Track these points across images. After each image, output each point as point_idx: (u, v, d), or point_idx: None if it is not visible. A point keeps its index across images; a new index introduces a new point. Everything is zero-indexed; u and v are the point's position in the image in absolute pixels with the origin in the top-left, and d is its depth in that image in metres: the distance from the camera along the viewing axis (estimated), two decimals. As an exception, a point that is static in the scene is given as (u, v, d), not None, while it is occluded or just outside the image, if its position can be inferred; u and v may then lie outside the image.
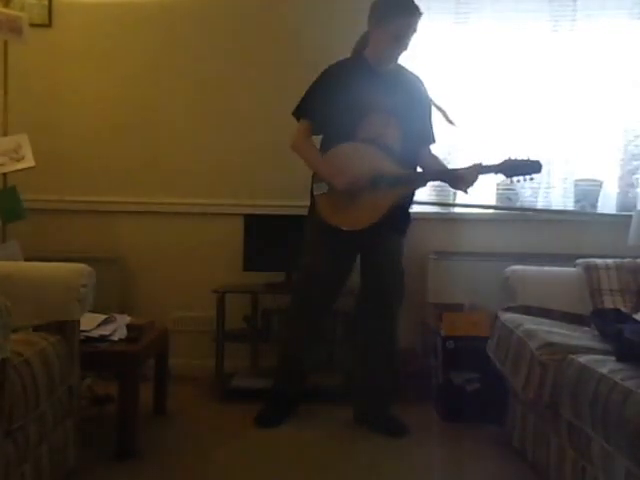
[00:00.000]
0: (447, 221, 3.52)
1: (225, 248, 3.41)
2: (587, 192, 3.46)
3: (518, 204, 3.49)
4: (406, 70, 2.75)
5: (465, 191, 2.62)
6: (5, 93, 3.15)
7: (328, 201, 2.65)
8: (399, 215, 2.70)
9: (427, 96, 2.78)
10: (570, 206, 3.46)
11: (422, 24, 3.48)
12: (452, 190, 3.47)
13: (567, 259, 2.93)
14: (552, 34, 3.43)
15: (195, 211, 3.52)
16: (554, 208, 3.46)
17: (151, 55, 3.54)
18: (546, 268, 2.84)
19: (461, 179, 2.58)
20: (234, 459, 2.45)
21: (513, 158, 2.53)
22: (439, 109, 2.84)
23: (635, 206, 3.39)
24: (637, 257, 2.87)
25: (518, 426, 2.50)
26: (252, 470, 2.37)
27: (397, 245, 2.77)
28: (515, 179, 2.57)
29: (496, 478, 2.36)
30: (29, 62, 3.40)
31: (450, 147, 3.44)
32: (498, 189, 3.50)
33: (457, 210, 3.52)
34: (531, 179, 2.56)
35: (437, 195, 3.52)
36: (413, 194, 2.81)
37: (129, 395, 2.42)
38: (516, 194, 3.49)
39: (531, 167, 2.52)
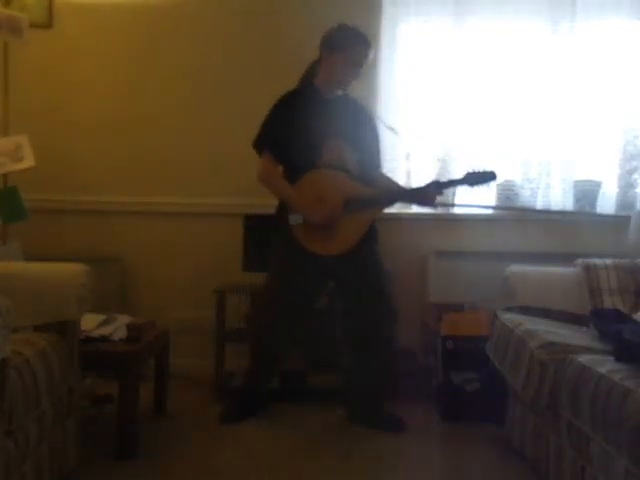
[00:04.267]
0: (447, 221, 3.52)
1: (225, 248, 3.40)
2: (586, 192, 3.46)
3: (518, 204, 3.49)
4: (352, 97, 2.86)
5: (433, 206, 2.85)
6: (5, 93, 3.16)
7: (304, 230, 2.70)
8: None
9: (374, 121, 2.91)
10: (569, 206, 3.46)
11: (421, 24, 3.52)
12: (452, 190, 3.49)
13: (567, 259, 2.93)
14: (551, 35, 3.42)
15: (195, 211, 3.53)
16: (553, 208, 3.46)
17: (152, 55, 3.54)
18: (546, 268, 2.85)
19: (428, 197, 2.75)
20: (234, 459, 2.46)
21: (471, 171, 2.69)
22: (389, 128, 3.09)
23: (634, 206, 3.39)
24: (636, 257, 2.87)
25: (518, 426, 2.51)
26: (252, 470, 2.37)
27: (373, 250, 2.81)
28: (476, 187, 2.73)
29: (496, 478, 2.36)
30: (29, 62, 3.40)
31: (448, 149, 3.44)
32: (498, 189, 3.50)
33: (457, 210, 3.52)
34: (489, 186, 2.75)
35: (437, 195, 3.51)
36: None
37: (129, 395, 2.42)
38: (516, 194, 3.49)
39: (489, 176, 2.68)
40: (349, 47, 2.71)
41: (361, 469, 2.40)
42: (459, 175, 2.77)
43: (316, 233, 2.69)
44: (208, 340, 3.24)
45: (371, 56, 2.75)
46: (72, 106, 3.53)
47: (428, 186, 2.75)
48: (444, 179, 2.95)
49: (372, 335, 2.79)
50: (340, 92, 2.81)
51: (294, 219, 2.70)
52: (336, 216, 2.67)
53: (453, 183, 2.79)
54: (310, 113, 2.72)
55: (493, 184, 2.74)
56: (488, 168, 2.69)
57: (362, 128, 2.82)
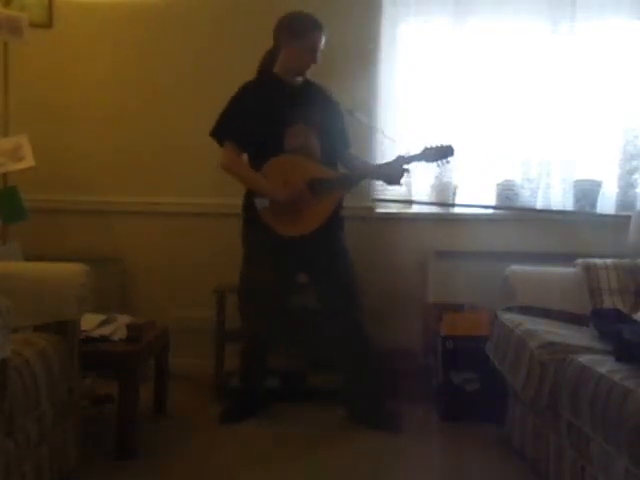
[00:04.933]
0: (447, 221, 3.52)
1: (225, 248, 3.39)
2: (586, 192, 3.46)
3: (518, 204, 3.49)
4: (314, 83, 2.89)
5: (399, 184, 2.84)
6: (5, 93, 3.16)
7: (272, 213, 2.73)
8: (334, 212, 2.80)
9: (337, 105, 2.93)
10: (569, 206, 3.46)
11: (421, 24, 3.51)
12: (452, 190, 3.49)
13: (567, 259, 2.93)
14: (551, 35, 3.42)
15: (195, 211, 3.53)
16: (554, 208, 3.46)
17: (151, 55, 3.54)
18: (546, 268, 2.85)
19: (392, 173, 2.78)
20: (234, 459, 2.46)
21: (429, 146, 2.72)
22: (354, 115, 3.02)
23: (634, 206, 3.39)
24: (636, 257, 2.87)
25: (518, 426, 2.51)
26: (252, 470, 2.37)
27: (340, 241, 2.85)
28: (435, 164, 2.74)
29: (496, 478, 2.36)
30: (29, 62, 3.40)
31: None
32: (498, 189, 3.50)
33: (457, 210, 3.52)
34: (448, 162, 2.75)
35: (437, 195, 3.51)
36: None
37: (129, 395, 2.42)
38: (516, 194, 3.49)
39: (446, 151, 2.71)
40: (307, 34, 2.74)
41: (361, 469, 2.40)
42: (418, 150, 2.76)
43: (283, 215, 2.72)
44: (208, 340, 3.24)
45: (325, 40, 2.77)
46: (72, 106, 3.53)
47: (393, 162, 2.77)
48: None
49: (346, 330, 2.81)
50: (300, 78, 2.84)
51: (260, 203, 2.73)
52: (301, 196, 2.70)
53: (413, 158, 2.75)
54: (272, 100, 2.75)
55: (452, 159, 2.74)
56: (445, 143, 2.71)
57: (325, 111, 2.85)
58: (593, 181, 3.48)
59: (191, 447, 2.54)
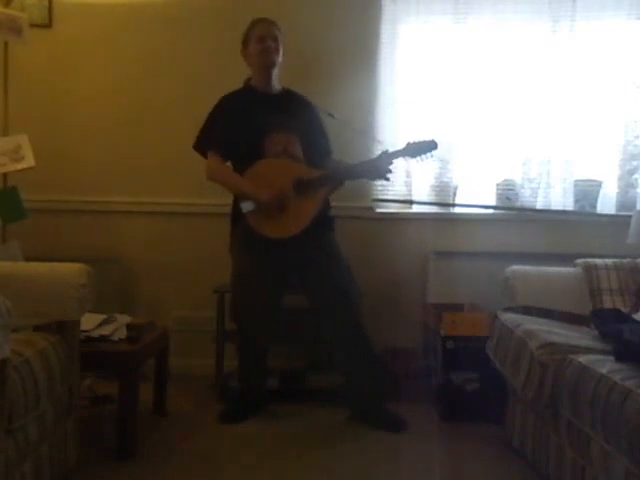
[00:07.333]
0: (447, 221, 3.52)
1: (225, 248, 3.39)
2: (586, 192, 3.46)
3: (518, 204, 3.49)
4: (293, 91, 2.95)
5: (387, 178, 2.83)
6: (5, 93, 3.16)
7: (258, 216, 2.74)
8: (322, 212, 2.80)
9: (317, 113, 2.96)
10: (570, 206, 3.46)
11: (421, 24, 3.51)
12: (452, 190, 3.49)
13: (567, 259, 2.93)
14: (551, 35, 3.42)
15: (195, 211, 3.52)
16: (554, 208, 3.46)
17: (151, 55, 3.54)
18: (546, 268, 2.84)
19: (376, 169, 2.78)
20: (234, 459, 2.46)
21: (412, 141, 2.71)
22: (335, 118, 3.01)
23: (634, 206, 3.39)
24: (636, 257, 2.87)
25: (518, 426, 2.51)
26: (252, 470, 2.37)
27: (330, 241, 2.85)
28: (419, 159, 2.73)
29: (496, 478, 2.36)
30: (29, 62, 3.40)
31: (449, 146, 3.43)
32: (498, 189, 3.50)
33: (457, 210, 3.52)
34: (432, 156, 2.72)
35: (437, 195, 3.51)
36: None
37: (129, 395, 2.42)
38: (516, 194, 3.49)
39: (429, 146, 2.70)
40: (250, 32, 2.87)
41: (361, 469, 2.40)
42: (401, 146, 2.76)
43: (269, 218, 2.73)
44: (208, 340, 3.24)
45: (275, 30, 2.86)
46: (72, 106, 3.53)
47: (376, 158, 2.78)
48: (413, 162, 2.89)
49: (342, 330, 2.80)
50: (277, 86, 2.89)
51: (245, 207, 2.74)
52: (285, 196, 2.71)
53: (397, 154, 2.75)
54: (249, 109, 2.80)
55: (435, 153, 2.71)
56: (428, 137, 2.71)
57: (305, 118, 2.88)
58: (593, 181, 3.48)
59: (191, 447, 2.54)
